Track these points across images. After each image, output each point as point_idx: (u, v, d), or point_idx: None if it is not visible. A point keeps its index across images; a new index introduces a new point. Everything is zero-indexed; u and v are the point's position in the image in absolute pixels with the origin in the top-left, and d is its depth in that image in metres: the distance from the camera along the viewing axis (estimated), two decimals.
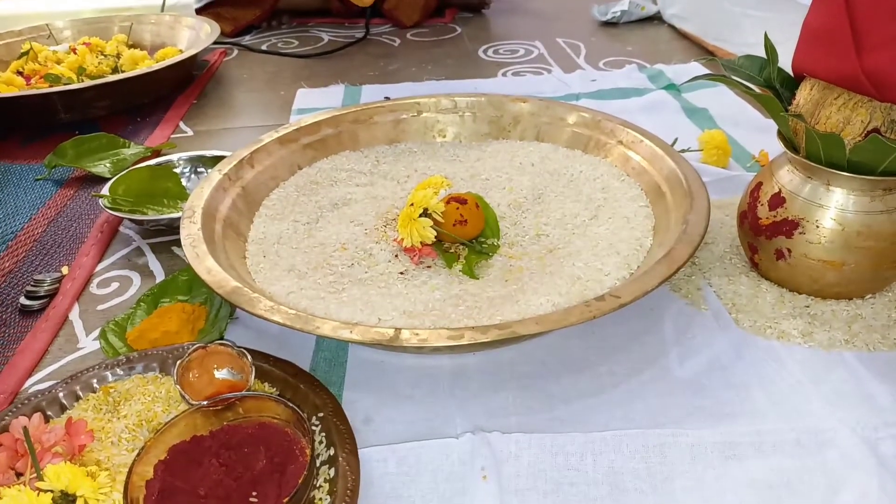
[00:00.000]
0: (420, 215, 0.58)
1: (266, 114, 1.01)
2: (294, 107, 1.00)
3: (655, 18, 1.30)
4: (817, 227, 0.51)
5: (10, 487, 0.36)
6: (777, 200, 0.53)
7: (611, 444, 0.44)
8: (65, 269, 0.64)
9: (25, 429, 0.40)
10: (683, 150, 0.78)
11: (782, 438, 0.44)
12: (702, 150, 0.77)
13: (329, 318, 0.49)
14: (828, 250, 0.51)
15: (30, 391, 0.51)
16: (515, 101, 0.79)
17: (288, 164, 0.73)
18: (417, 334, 0.44)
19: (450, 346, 0.44)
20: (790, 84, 0.54)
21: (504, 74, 1.10)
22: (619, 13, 1.28)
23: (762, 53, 0.55)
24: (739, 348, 0.51)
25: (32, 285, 0.61)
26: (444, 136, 0.80)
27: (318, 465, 0.42)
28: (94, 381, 0.49)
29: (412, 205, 0.59)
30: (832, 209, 0.50)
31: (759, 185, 0.55)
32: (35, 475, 0.38)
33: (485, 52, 1.21)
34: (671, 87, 0.98)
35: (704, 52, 1.12)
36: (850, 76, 0.45)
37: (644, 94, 0.97)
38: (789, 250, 0.52)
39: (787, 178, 0.53)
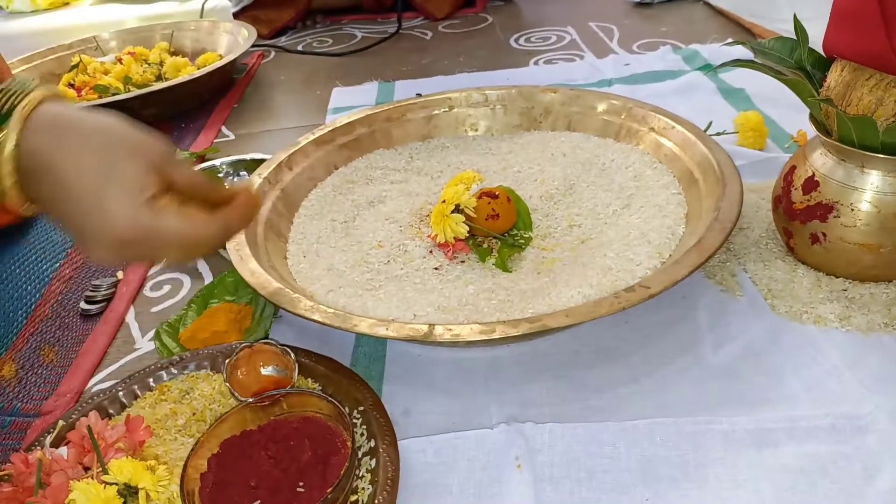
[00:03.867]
0: (452, 211, 0.59)
1: (303, 114, 1.03)
2: (330, 106, 1.02)
3: None
4: (852, 210, 0.50)
5: (79, 481, 0.39)
6: (811, 184, 0.52)
7: (644, 432, 0.45)
8: (120, 274, 0.68)
9: (89, 427, 0.43)
10: (719, 133, 0.77)
11: (817, 424, 0.44)
12: (737, 133, 0.76)
13: (366, 315, 0.51)
14: (864, 233, 0.50)
15: (93, 390, 0.54)
16: (546, 91, 0.79)
17: (324, 165, 0.75)
18: (450, 329, 0.46)
19: (482, 340, 0.45)
20: (822, 65, 0.53)
21: (536, 63, 1.10)
22: None
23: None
24: (775, 334, 0.51)
25: (91, 290, 0.65)
26: (476, 130, 0.81)
27: (359, 456, 0.44)
28: (151, 380, 0.52)
29: (444, 201, 0.60)
30: (868, 191, 0.49)
31: (793, 168, 0.55)
32: (101, 469, 0.41)
33: (516, 40, 1.21)
34: (707, 68, 0.96)
35: (741, 29, 1.10)
36: (881, 57, 0.44)
37: (678, 76, 0.96)
38: (824, 234, 0.52)
39: (821, 161, 0.52)
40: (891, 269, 0.52)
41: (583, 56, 1.10)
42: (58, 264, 0.69)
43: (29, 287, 0.65)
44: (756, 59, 0.53)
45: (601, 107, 0.75)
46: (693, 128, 0.67)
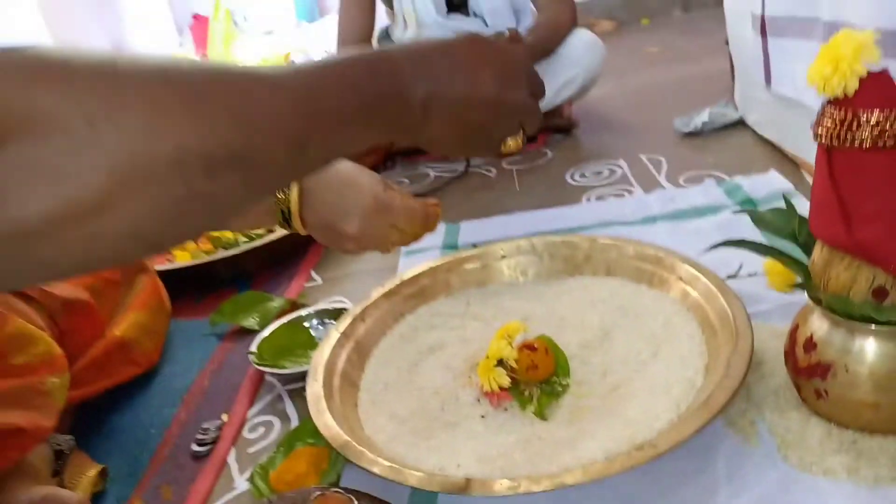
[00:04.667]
0: (496, 364, 0.69)
1: (381, 257, 1.17)
2: (402, 249, 1.15)
3: (739, 124, 1.35)
4: (847, 370, 0.55)
5: None
6: (810, 345, 0.58)
7: None
8: (224, 417, 0.81)
9: None
10: (751, 275, 0.83)
11: None
12: (767, 276, 0.82)
13: (417, 467, 0.60)
14: (862, 391, 0.55)
15: None
16: (585, 239, 0.89)
17: (393, 315, 0.87)
18: (483, 484, 0.55)
19: (510, 495, 0.54)
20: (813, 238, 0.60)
21: (588, 199, 1.20)
22: (700, 124, 1.34)
23: None
24: (786, 485, 0.56)
25: (201, 433, 0.78)
26: (527, 276, 0.91)
27: None
28: None
29: (488, 356, 0.70)
30: (859, 353, 0.55)
31: (797, 327, 0.61)
32: None
33: (572, 175, 1.32)
34: (748, 203, 1.03)
35: (785, 160, 1.16)
36: (845, 246, 0.51)
37: (720, 212, 1.03)
38: (826, 391, 0.57)
39: (818, 323, 0.58)
40: (893, 423, 0.56)
41: (632, 191, 1.19)
42: (175, 409, 0.83)
43: (153, 430, 0.79)
44: (745, 238, 0.61)
45: (635, 253, 0.84)
46: (715, 279, 0.74)
